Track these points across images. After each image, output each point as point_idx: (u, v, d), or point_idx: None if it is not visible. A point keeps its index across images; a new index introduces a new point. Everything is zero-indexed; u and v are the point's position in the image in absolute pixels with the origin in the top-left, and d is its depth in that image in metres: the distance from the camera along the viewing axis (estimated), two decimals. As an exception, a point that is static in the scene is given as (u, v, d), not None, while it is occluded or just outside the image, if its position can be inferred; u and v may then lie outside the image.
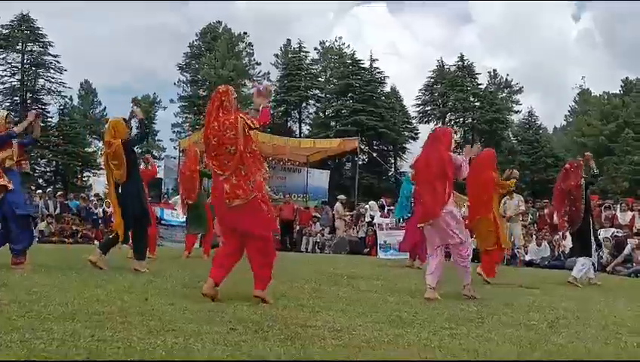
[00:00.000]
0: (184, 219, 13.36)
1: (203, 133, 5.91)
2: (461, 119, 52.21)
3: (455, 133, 7.44)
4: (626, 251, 13.79)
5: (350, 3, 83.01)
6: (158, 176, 20.84)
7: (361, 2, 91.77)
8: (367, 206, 20.81)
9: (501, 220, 9.81)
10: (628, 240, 14.34)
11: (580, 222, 9.67)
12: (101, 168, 36.25)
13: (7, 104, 46.20)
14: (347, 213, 20.91)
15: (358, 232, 19.70)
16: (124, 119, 8.68)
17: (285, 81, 49.85)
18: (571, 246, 10.69)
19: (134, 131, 8.87)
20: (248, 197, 5.57)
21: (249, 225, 5.65)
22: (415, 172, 7.64)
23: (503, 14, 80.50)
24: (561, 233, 14.15)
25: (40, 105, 47.00)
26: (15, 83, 46.24)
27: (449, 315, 5.46)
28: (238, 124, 5.61)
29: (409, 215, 12.22)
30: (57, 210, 20.30)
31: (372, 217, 18.70)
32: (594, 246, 10.14)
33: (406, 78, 75.11)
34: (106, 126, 8.69)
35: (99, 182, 39.99)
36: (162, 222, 17.49)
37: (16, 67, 46.19)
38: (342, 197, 21.19)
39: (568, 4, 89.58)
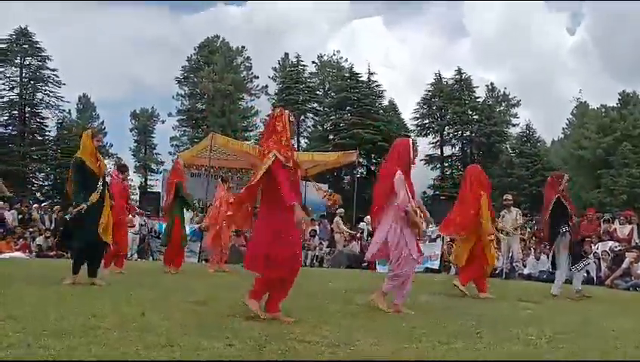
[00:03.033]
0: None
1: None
2: (459, 132, 52.27)
3: (414, 143, 7.24)
4: (625, 264, 13.76)
5: (346, 16, 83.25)
6: (157, 190, 20.84)
7: (357, 16, 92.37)
8: (364, 222, 20.78)
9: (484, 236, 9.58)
10: (626, 253, 14.32)
11: (549, 235, 9.79)
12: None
13: (6, 118, 46.24)
14: (346, 231, 20.83)
15: (359, 244, 19.59)
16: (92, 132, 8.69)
17: (283, 95, 49.85)
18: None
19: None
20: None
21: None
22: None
23: (498, 27, 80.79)
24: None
25: (38, 120, 47.06)
26: (13, 97, 46.22)
27: (447, 330, 5.43)
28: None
29: None
30: (54, 225, 20.22)
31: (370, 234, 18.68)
32: (568, 260, 10.09)
33: (402, 91, 75.36)
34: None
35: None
36: (159, 236, 17.48)
37: (14, 81, 46.19)
38: (341, 210, 21.14)
39: (563, 18, 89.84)
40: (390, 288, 6.85)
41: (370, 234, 18.58)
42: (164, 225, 17.06)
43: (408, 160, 6.94)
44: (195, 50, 55.17)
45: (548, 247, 11.01)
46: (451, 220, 9.54)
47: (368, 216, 20.79)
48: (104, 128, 53.05)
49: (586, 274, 14.29)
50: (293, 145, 5.89)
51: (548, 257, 15.74)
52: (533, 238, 18.21)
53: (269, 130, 5.84)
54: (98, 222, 8.32)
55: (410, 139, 7.26)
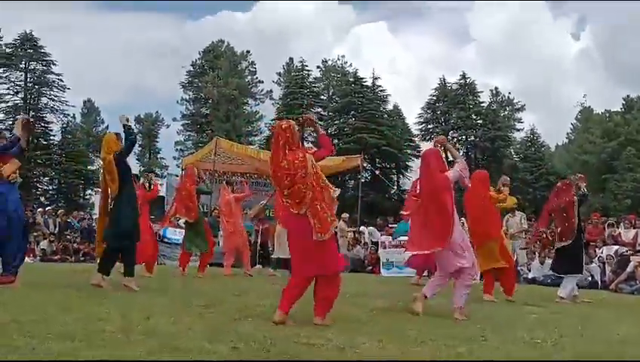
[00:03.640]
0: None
1: (272, 170, 5.89)
2: (463, 137, 52.28)
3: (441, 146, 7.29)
4: (629, 269, 13.72)
5: (351, 22, 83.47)
6: (161, 194, 20.84)
7: (362, 21, 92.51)
8: (367, 230, 20.72)
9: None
10: (631, 257, 14.29)
11: (571, 239, 9.65)
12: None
13: (10, 122, 46.31)
14: (350, 230, 20.78)
15: (364, 247, 19.53)
16: (116, 134, 8.66)
17: (288, 100, 49.90)
18: (555, 261, 10.55)
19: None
20: (331, 231, 5.77)
21: (329, 260, 5.83)
22: (420, 199, 7.50)
23: (502, 33, 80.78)
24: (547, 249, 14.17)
25: (43, 124, 47.15)
26: (18, 101, 46.39)
27: (453, 333, 5.42)
28: (307, 162, 5.70)
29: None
30: (58, 229, 20.24)
31: (374, 243, 18.64)
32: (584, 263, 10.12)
33: (407, 96, 75.39)
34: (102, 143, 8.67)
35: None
36: (165, 240, 17.48)
37: (19, 85, 46.39)
38: (345, 215, 21.09)
39: (567, 23, 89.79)
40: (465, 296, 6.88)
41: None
42: (168, 230, 17.15)
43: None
44: (199, 54, 55.36)
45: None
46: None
47: (372, 228, 20.92)
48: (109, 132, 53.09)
49: (590, 278, 14.29)
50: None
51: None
52: (538, 243, 18.14)
53: (280, 142, 5.81)
54: (133, 219, 8.35)
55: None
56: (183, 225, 13.66)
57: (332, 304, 5.88)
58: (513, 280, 9.68)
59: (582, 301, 9.83)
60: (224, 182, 15.05)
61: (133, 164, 52.76)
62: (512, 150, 52.84)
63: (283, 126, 5.88)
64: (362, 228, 21.47)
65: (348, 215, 21.02)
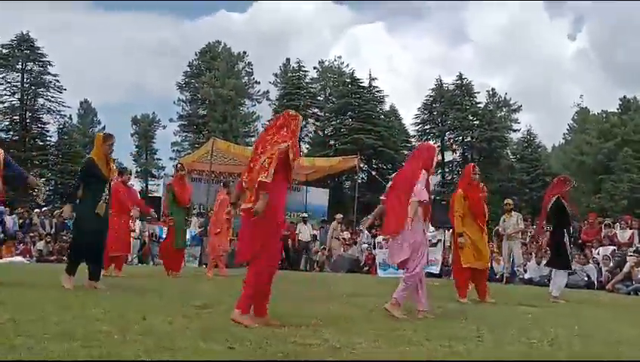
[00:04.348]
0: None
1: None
2: (460, 138, 52.36)
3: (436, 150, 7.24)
4: (626, 269, 13.76)
5: (348, 22, 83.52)
6: (157, 194, 20.85)
7: (359, 22, 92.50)
8: (364, 230, 20.66)
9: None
10: (627, 257, 14.32)
11: (542, 235, 9.80)
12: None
13: (7, 123, 46.30)
14: (343, 232, 20.71)
15: (362, 246, 19.51)
16: (105, 135, 8.73)
17: (284, 100, 49.94)
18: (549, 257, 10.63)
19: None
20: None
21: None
22: (390, 185, 7.45)
23: (499, 34, 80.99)
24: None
25: (40, 125, 47.12)
26: (15, 102, 46.36)
27: (449, 333, 5.42)
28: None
29: None
30: (54, 229, 20.21)
31: (370, 244, 18.64)
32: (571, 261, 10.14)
33: (404, 96, 75.48)
34: None
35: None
36: (160, 240, 17.48)
37: (15, 86, 46.33)
38: (339, 216, 21.06)
39: (564, 24, 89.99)
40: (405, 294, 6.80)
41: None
42: (164, 230, 17.15)
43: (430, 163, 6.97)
44: (196, 55, 55.36)
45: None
46: None
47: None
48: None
49: (586, 279, 14.33)
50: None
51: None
52: (534, 243, 18.20)
53: (279, 125, 5.76)
54: (101, 224, 8.35)
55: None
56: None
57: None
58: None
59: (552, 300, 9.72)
60: (221, 184, 15.07)
61: (130, 164, 52.78)
62: (508, 151, 52.94)
63: (291, 113, 5.88)
64: (361, 228, 21.44)
65: (342, 216, 20.98)
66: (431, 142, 8.55)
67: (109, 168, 8.46)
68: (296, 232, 20.24)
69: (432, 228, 17.42)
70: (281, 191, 5.60)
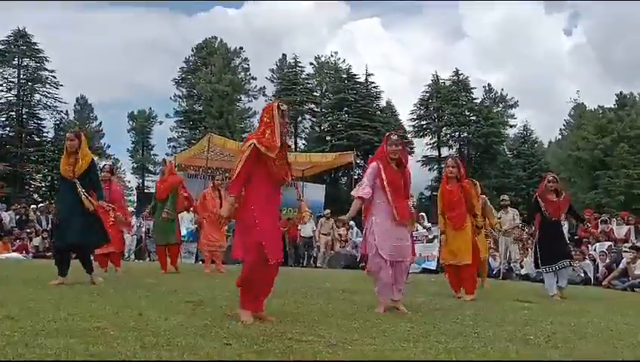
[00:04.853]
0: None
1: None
2: (456, 133, 52.36)
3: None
4: (622, 265, 13.77)
5: (344, 18, 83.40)
6: (152, 190, 20.81)
7: (355, 18, 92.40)
8: (354, 227, 20.46)
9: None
10: (623, 253, 14.35)
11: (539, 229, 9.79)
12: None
13: (3, 119, 46.19)
14: (339, 228, 20.55)
15: (355, 242, 19.45)
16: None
17: (281, 96, 49.84)
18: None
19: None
20: None
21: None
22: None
23: (496, 30, 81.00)
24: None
25: (36, 121, 47.04)
26: (11, 98, 46.23)
27: (445, 330, 5.43)
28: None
29: None
30: (51, 225, 20.18)
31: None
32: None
33: (400, 92, 75.45)
34: None
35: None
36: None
37: (12, 82, 46.20)
38: (327, 211, 20.80)
39: (560, 20, 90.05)
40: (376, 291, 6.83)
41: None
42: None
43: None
44: (192, 51, 55.29)
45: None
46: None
47: (357, 229, 20.78)
48: (102, 129, 53.11)
49: (583, 275, 14.35)
50: (289, 138, 5.79)
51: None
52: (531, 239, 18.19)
53: (259, 124, 5.81)
54: (79, 223, 8.31)
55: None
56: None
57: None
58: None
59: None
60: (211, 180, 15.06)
61: (127, 160, 52.77)
62: (505, 146, 52.99)
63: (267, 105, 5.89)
64: (352, 222, 21.31)
65: (329, 211, 20.73)
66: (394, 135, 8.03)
67: (72, 167, 8.21)
68: (298, 228, 20.15)
69: (428, 224, 17.48)
70: (261, 188, 5.53)
